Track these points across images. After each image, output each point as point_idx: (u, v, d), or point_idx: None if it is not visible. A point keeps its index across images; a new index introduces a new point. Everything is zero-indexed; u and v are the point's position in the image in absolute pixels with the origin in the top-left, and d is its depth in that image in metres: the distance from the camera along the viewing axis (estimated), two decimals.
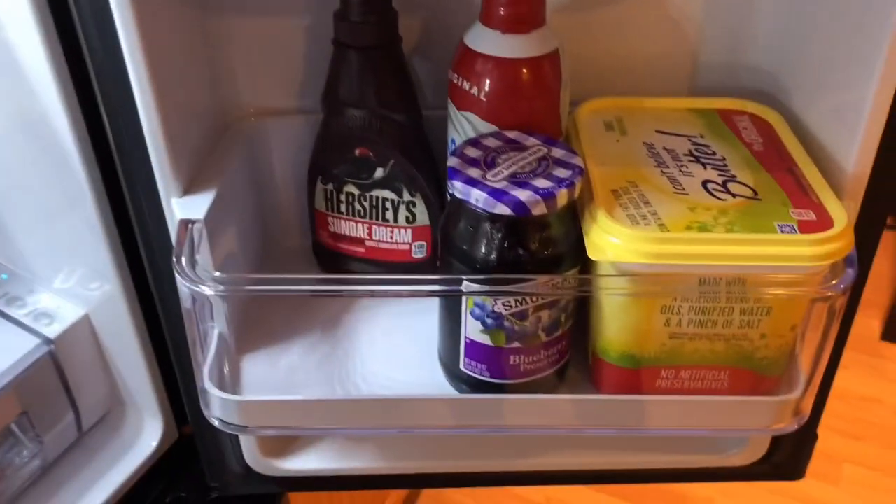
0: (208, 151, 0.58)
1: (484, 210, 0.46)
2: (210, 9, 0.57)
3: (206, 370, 0.49)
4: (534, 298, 0.48)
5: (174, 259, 0.46)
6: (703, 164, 0.52)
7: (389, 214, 0.59)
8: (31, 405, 0.60)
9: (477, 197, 0.46)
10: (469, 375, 0.52)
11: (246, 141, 0.61)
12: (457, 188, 0.47)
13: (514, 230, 0.47)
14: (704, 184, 0.50)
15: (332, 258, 0.63)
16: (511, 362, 0.51)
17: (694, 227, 0.47)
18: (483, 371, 0.51)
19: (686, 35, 0.61)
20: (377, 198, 0.59)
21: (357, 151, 0.57)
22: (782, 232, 0.46)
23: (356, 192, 0.59)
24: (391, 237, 0.60)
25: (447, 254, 0.49)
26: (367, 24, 0.53)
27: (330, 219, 0.61)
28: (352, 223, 0.61)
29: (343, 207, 0.60)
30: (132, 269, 0.59)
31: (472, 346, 0.51)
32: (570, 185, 0.47)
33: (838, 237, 0.46)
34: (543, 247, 0.48)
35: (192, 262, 0.47)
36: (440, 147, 0.58)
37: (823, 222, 0.47)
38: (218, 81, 0.60)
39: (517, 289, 0.47)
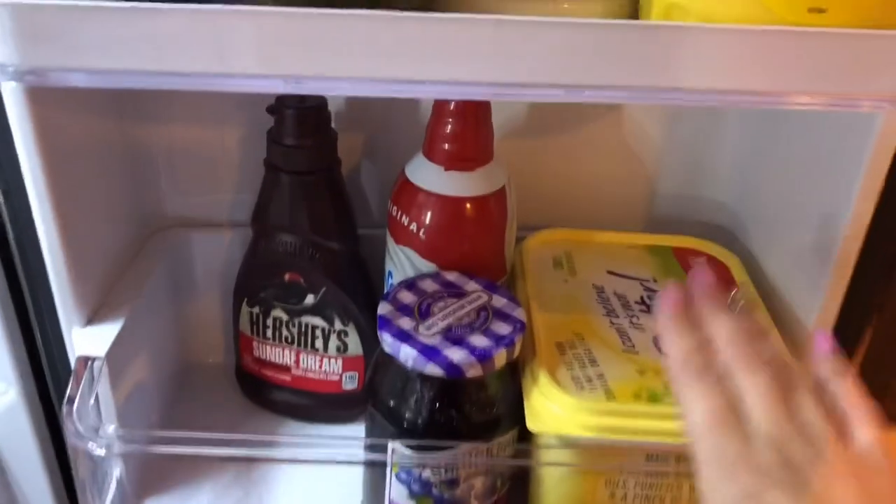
0: (126, 262, 0.53)
1: (413, 369, 0.42)
2: (131, 116, 0.53)
3: None
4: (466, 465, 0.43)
5: (63, 408, 0.41)
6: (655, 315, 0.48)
7: (319, 343, 0.55)
8: None
9: (406, 355, 0.42)
10: None
11: (168, 252, 0.57)
12: (386, 342, 0.43)
13: (446, 391, 0.43)
14: (655, 341, 0.47)
15: (256, 385, 0.58)
16: None
17: (643, 395, 0.43)
18: None
19: (643, 163, 0.58)
20: (307, 325, 0.54)
21: (287, 276, 0.53)
22: None
23: (284, 317, 0.54)
24: (320, 366, 0.55)
25: (373, 408, 0.45)
26: (301, 148, 0.49)
27: (255, 343, 0.56)
28: (278, 349, 0.56)
29: (269, 332, 0.55)
30: (38, 379, 0.54)
31: None
32: (510, 345, 0.43)
33: None
34: (478, 409, 0.43)
35: (81, 413, 0.41)
36: (381, 269, 0.53)
37: None
38: (141, 190, 0.55)
39: (447, 457, 0.42)
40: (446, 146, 0.47)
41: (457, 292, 0.46)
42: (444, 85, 0.31)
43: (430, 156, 0.47)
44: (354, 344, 0.55)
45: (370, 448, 0.43)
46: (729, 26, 0.30)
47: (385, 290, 0.52)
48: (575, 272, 0.53)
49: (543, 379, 0.43)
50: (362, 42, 0.30)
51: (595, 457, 0.43)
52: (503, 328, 0.43)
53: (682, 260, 0.54)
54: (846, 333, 0.48)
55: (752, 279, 0.53)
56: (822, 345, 0.33)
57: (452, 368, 0.41)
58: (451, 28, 0.30)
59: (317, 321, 0.54)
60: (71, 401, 0.42)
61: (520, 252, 0.54)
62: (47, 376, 0.52)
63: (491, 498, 0.46)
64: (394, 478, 0.44)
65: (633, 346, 0.46)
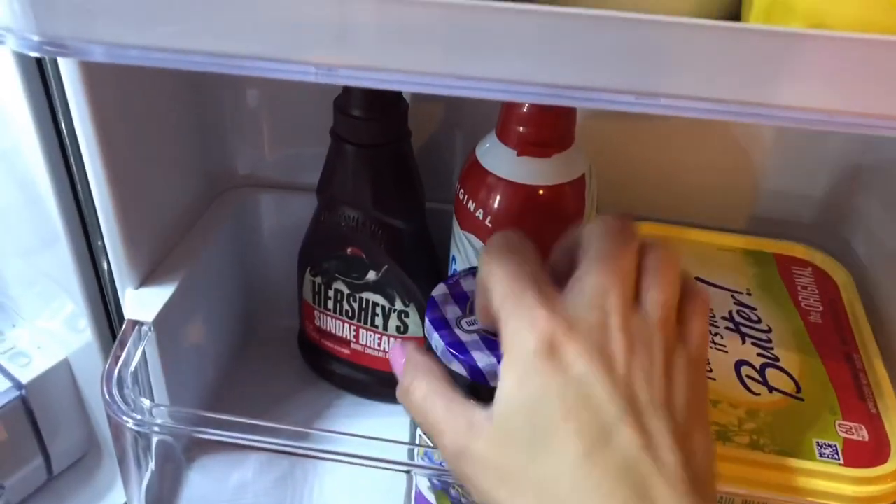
0: (191, 223, 0.52)
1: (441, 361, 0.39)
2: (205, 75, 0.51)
3: (140, 499, 0.44)
4: None
5: (103, 379, 0.40)
6: (743, 336, 0.43)
7: (379, 321, 0.52)
8: None
9: (437, 344, 0.39)
10: None
11: (236, 213, 0.55)
12: (426, 326, 0.40)
13: (475, 395, 0.39)
14: (738, 366, 0.41)
15: (316, 354, 0.56)
16: None
17: (712, 432, 0.38)
18: None
19: (748, 154, 0.52)
20: (367, 301, 0.52)
21: (349, 250, 0.50)
22: (821, 456, 0.37)
23: (346, 290, 0.52)
24: (378, 344, 0.53)
25: None
26: (369, 120, 0.46)
27: (317, 313, 0.55)
28: (338, 322, 0.54)
29: (330, 304, 0.53)
30: (110, 320, 0.54)
31: (420, 499, 0.44)
32: None
33: (894, 478, 0.36)
34: None
35: (122, 381, 0.41)
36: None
37: (877, 449, 0.37)
38: (210, 148, 0.54)
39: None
40: (521, 129, 0.42)
41: None
42: (497, 83, 0.27)
43: (503, 138, 0.43)
44: (415, 325, 0.52)
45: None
46: (844, 35, 0.24)
47: (449, 274, 0.49)
48: None
49: None
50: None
51: None
52: None
53: (783, 270, 0.48)
54: None
55: (862, 298, 0.46)
56: None
57: (475, 373, 0.38)
58: (502, 18, 0.26)
59: (377, 298, 0.51)
60: (112, 366, 0.42)
61: None
62: (116, 326, 0.52)
63: None
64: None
65: (711, 371, 0.41)
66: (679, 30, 0.25)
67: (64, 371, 0.60)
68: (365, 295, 0.52)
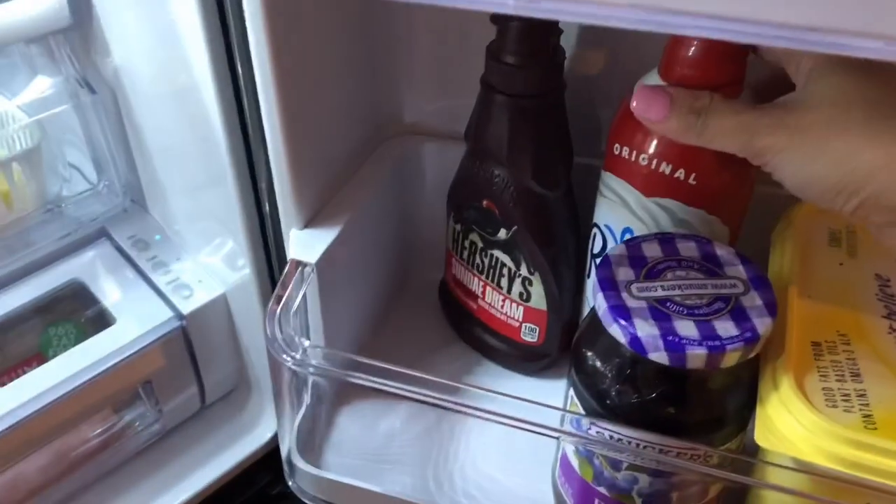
0: (357, 167, 0.52)
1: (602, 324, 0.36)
2: (375, 18, 0.50)
3: (291, 434, 0.44)
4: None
5: (266, 317, 0.41)
6: None
7: (504, 282, 0.50)
8: (155, 375, 0.59)
9: (599, 305, 0.36)
10: (559, 492, 0.44)
11: (399, 159, 0.54)
12: (592, 284, 0.37)
13: (631, 366, 0.37)
14: None
15: (452, 304, 0.55)
16: None
17: None
18: (570, 496, 0.42)
19: None
20: (496, 258, 0.50)
21: (485, 202, 0.48)
22: None
23: (479, 243, 0.50)
24: (502, 307, 0.51)
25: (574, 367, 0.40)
26: (521, 68, 0.43)
27: (454, 261, 0.53)
28: (470, 274, 0.52)
29: (465, 255, 0.52)
30: (269, 259, 0.55)
31: (565, 463, 0.42)
32: (718, 350, 0.35)
33: None
34: (694, 404, 0.37)
35: (283, 320, 0.41)
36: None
37: None
38: (378, 95, 0.53)
39: (611, 443, 0.36)
40: (685, 71, 0.38)
41: (711, 270, 0.39)
42: (710, 20, 0.24)
43: (666, 78, 0.39)
44: (538, 296, 0.49)
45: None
46: None
47: (591, 242, 0.46)
48: (856, 254, 0.43)
49: (786, 385, 0.35)
50: None
51: (835, 491, 0.35)
52: (728, 328, 0.35)
53: None
54: None
55: None
56: None
57: (635, 341, 0.35)
58: None
59: (505, 259, 0.49)
60: (275, 305, 0.42)
61: (789, 219, 0.45)
62: (275, 266, 0.53)
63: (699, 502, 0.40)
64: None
65: None
66: None
67: (221, 306, 0.62)
68: (495, 252, 0.50)
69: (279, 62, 0.39)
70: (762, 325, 0.36)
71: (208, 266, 0.61)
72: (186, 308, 0.59)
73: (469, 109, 0.48)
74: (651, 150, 0.41)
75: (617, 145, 0.42)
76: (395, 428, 0.50)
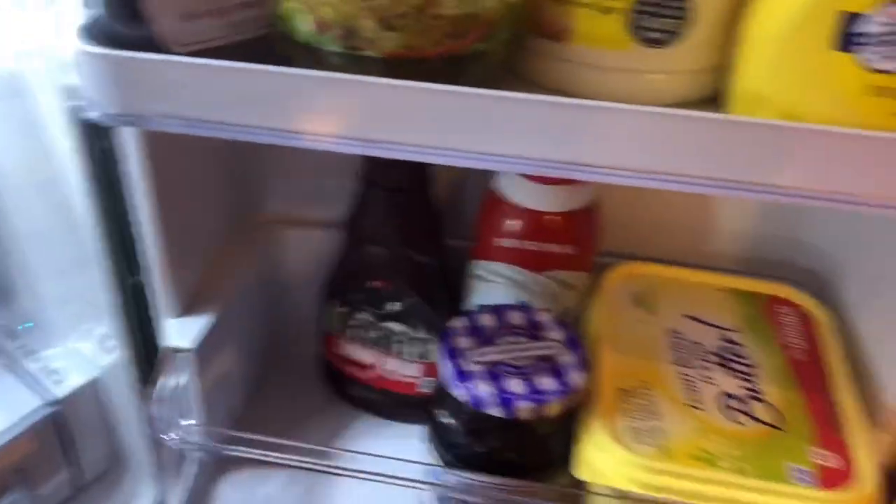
0: (224, 257, 0.56)
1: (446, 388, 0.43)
2: None
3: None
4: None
5: (147, 400, 0.45)
6: (731, 371, 0.47)
7: (401, 348, 0.57)
8: (27, 461, 0.60)
9: (444, 371, 0.43)
10: None
11: (265, 248, 0.60)
12: (438, 351, 0.44)
13: (475, 421, 0.44)
14: (724, 398, 0.46)
15: (337, 379, 0.61)
16: None
17: (701, 457, 0.42)
18: None
19: (742, 200, 0.56)
20: (390, 329, 0.56)
21: (375, 283, 0.55)
22: (798, 481, 0.41)
23: (370, 319, 0.56)
24: (400, 369, 0.57)
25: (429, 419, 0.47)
26: (395, 165, 0.50)
27: (340, 341, 0.59)
28: (361, 349, 0.58)
29: (354, 332, 0.58)
30: (146, 340, 0.58)
31: None
32: (542, 402, 0.43)
33: (858, 500, 0.41)
34: (525, 449, 0.44)
35: (162, 403, 0.45)
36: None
37: (846, 473, 0.42)
38: (242, 189, 0.58)
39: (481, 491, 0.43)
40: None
41: (535, 334, 0.46)
42: (509, 159, 0.32)
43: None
44: (435, 353, 0.56)
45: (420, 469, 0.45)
46: (823, 128, 0.29)
47: (466, 307, 0.53)
48: (655, 311, 0.52)
49: (598, 426, 0.43)
50: (432, 114, 0.31)
51: None
52: (548, 383, 0.43)
53: (770, 311, 0.52)
54: None
55: (843, 339, 0.51)
56: None
57: (478, 400, 0.42)
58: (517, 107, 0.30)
59: (400, 327, 0.56)
60: (154, 388, 0.46)
61: (600, 286, 0.53)
62: (151, 346, 0.56)
63: None
64: None
65: (700, 402, 0.45)
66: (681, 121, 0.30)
67: (93, 390, 0.64)
68: (388, 324, 0.56)
69: (153, 172, 0.44)
70: (578, 378, 0.44)
71: (81, 351, 0.63)
72: (60, 392, 0.61)
73: (332, 196, 0.53)
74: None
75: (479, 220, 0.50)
76: (274, 493, 0.54)
